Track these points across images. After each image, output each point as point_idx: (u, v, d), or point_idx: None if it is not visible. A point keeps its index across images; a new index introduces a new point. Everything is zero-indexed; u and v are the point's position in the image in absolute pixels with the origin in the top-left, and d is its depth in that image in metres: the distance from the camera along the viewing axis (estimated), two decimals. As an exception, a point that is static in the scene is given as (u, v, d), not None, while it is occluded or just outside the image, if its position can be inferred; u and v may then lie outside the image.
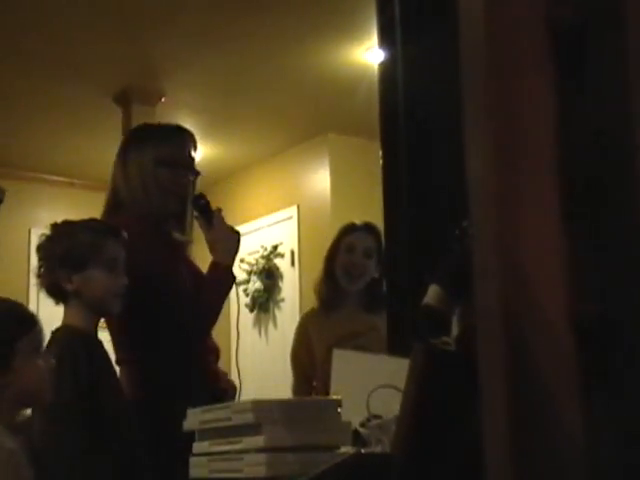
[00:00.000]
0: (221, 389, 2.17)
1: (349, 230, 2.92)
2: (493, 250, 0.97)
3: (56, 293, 2.02)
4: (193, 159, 2.28)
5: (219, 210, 2.18)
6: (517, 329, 0.94)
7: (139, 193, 2.17)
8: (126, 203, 2.20)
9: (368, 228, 2.88)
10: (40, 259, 2.02)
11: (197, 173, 2.28)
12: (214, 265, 2.11)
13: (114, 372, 2.06)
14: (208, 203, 2.18)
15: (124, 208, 2.21)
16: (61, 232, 2.04)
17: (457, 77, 1.07)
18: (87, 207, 6.76)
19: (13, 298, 1.79)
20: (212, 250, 2.12)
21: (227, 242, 2.11)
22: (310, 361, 2.81)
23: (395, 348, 1.72)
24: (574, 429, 0.86)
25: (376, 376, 1.55)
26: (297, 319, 6.12)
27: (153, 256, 2.08)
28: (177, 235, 2.21)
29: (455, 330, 1.42)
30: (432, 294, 1.47)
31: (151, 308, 2.06)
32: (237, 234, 2.15)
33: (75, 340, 1.95)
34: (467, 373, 1.21)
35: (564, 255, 0.91)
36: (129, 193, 2.20)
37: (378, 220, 2.25)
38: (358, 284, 2.83)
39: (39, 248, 2.03)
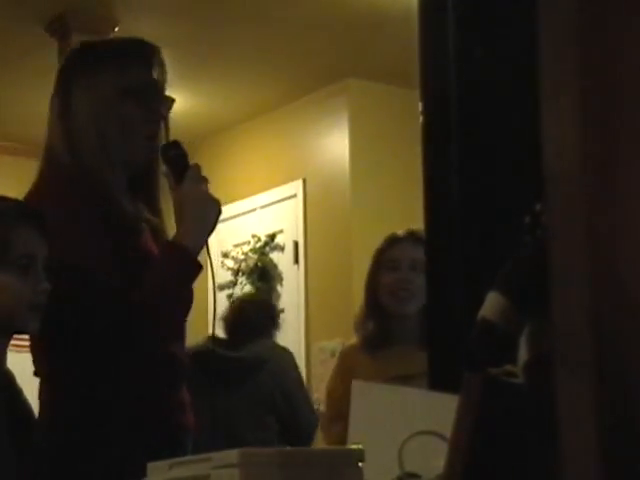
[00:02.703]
0: (180, 426, 2.16)
1: (390, 243, 3.17)
2: (580, 246, 0.97)
3: None
4: (164, 84, 2.24)
5: (196, 166, 2.10)
6: (612, 356, 0.94)
7: (91, 140, 2.08)
8: (63, 161, 2.12)
9: (414, 238, 3.06)
10: None
11: (171, 100, 2.23)
12: (169, 245, 2.07)
13: (27, 415, 2.07)
14: (184, 155, 2.10)
15: (56, 168, 2.13)
16: None
17: (533, 4, 1.06)
18: (6, 177, 6.81)
19: None
20: (176, 220, 2.09)
21: (197, 210, 2.05)
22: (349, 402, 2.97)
23: (438, 379, 1.72)
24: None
25: (412, 418, 1.56)
26: (302, 337, 6.19)
27: (81, 240, 2.04)
28: (133, 208, 2.16)
29: (523, 355, 1.42)
30: (492, 305, 1.47)
31: (72, 307, 2.05)
32: (216, 202, 2.08)
33: None
34: (540, 414, 1.22)
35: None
36: (72, 144, 2.10)
37: (417, 200, 2.24)
38: (408, 307, 3.02)
39: None
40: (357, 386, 1.67)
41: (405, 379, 2.78)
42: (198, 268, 2.05)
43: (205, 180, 2.11)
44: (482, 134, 2.02)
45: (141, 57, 2.20)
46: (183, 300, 2.09)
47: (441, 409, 1.43)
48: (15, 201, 2.11)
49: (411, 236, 3.11)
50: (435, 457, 1.39)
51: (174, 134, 2.29)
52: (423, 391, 1.70)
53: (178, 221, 2.06)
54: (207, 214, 2.07)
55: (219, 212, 2.10)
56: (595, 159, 0.95)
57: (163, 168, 2.14)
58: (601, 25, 0.94)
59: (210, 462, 1.41)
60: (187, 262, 2.04)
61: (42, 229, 2.04)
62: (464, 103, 2.06)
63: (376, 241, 5.54)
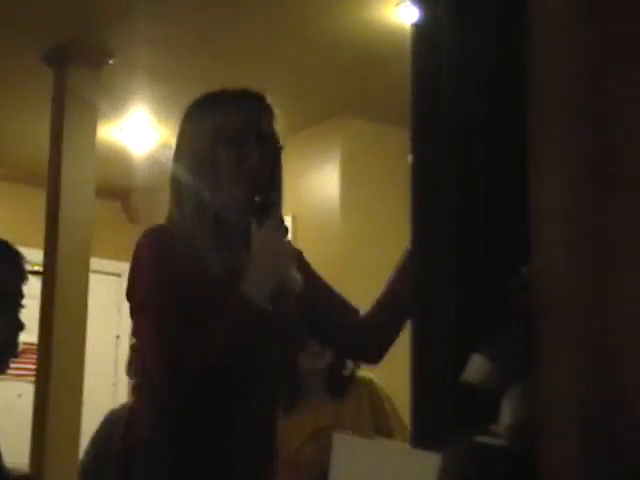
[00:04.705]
0: None
1: None
2: (568, 314, 0.96)
3: None
4: (271, 132, 2.26)
5: (279, 218, 2.11)
6: (597, 427, 0.92)
7: (188, 189, 2.15)
8: (170, 207, 2.19)
9: None
10: None
11: (278, 148, 2.24)
12: (233, 295, 2.06)
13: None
14: (269, 205, 2.13)
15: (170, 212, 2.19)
16: None
17: (525, 44, 1.04)
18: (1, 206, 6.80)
19: None
20: (247, 267, 2.08)
21: (268, 257, 2.06)
22: None
23: (421, 437, 1.68)
24: None
25: (393, 476, 1.53)
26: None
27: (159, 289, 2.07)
28: (227, 255, 2.14)
29: (506, 416, 1.40)
30: (474, 367, 1.45)
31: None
32: (289, 252, 2.10)
33: None
34: (522, 475, 1.19)
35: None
36: (175, 192, 2.18)
37: (408, 240, 2.21)
38: (319, 362, 3.23)
39: None
40: (339, 438, 1.63)
41: (318, 432, 3.04)
42: (259, 316, 2.04)
43: (285, 230, 2.11)
44: (476, 181, 2.00)
45: (237, 105, 2.24)
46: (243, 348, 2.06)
47: (422, 467, 1.40)
48: None
49: None
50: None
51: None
52: (405, 448, 1.67)
53: (248, 268, 2.06)
54: (276, 262, 2.08)
55: (290, 261, 2.11)
56: (592, 211, 0.93)
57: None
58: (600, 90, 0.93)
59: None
60: (246, 311, 2.04)
61: (19, 267, 2.01)
62: (455, 149, 2.05)
63: (366, 279, 5.51)
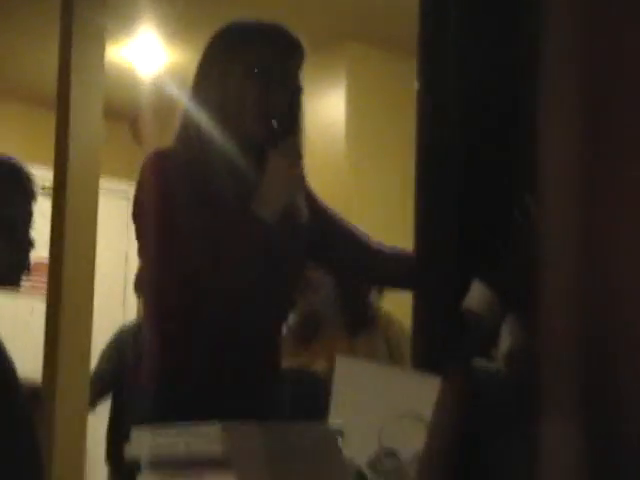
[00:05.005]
0: None
1: None
2: (568, 244, 0.96)
3: None
4: (296, 73, 2.26)
5: (294, 142, 2.16)
6: (599, 357, 0.94)
7: (208, 117, 2.15)
8: (183, 136, 2.19)
9: None
10: None
11: (298, 89, 2.24)
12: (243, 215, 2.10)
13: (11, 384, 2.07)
14: (284, 128, 2.16)
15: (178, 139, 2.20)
16: None
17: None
18: (4, 128, 6.77)
19: None
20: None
21: (276, 180, 2.09)
22: None
23: (422, 360, 1.71)
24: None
25: (393, 397, 1.55)
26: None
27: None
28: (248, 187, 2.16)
29: (505, 343, 1.42)
30: (476, 295, 1.46)
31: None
32: (297, 174, 2.13)
33: None
34: (519, 403, 1.22)
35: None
36: (191, 122, 2.18)
37: (412, 166, 2.22)
38: (333, 303, 3.17)
39: None
40: (341, 361, 1.65)
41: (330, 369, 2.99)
42: (267, 234, 2.07)
43: (299, 156, 2.16)
44: (486, 112, 1.99)
45: (270, 38, 2.26)
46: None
47: (424, 390, 1.42)
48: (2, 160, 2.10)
49: None
50: (414, 436, 1.39)
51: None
52: (409, 371, 1.70)
53: (259, 189, 2.09)
54: (287, 184, 2.12)
55: (301, 184, 2.16)
56: (594, 150, 0.94)
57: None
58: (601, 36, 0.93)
59: (193, 432, 1.41)
60: (256, 229, 2.08)
61: (28, 186, 2.03)
62: (463, 76, 2.04)
63: (371, 208, 5.48)
